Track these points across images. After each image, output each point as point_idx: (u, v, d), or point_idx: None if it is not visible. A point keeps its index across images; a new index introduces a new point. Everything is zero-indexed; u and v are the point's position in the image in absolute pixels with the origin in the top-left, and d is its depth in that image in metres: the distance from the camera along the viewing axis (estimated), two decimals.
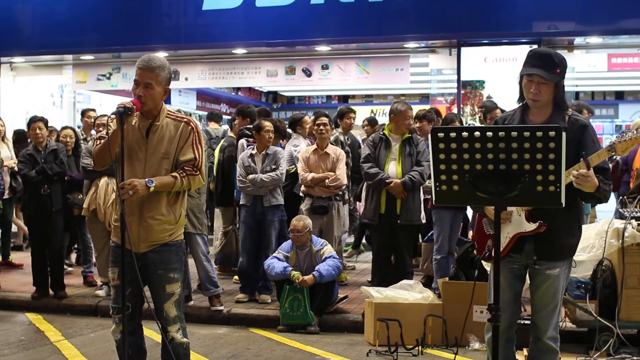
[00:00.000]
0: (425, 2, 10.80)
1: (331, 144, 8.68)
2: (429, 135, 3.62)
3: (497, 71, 10.94)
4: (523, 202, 3.85)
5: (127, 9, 12.05)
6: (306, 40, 11.67)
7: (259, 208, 7.92)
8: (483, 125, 8.33)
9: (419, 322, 6.56)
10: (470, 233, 7.75)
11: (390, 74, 12.18)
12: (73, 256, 10.49)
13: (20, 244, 11.71)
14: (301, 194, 8.50)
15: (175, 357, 4.41)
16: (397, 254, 7.59)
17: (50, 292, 8.31)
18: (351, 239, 10.81)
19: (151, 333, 5.36)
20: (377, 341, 6.56)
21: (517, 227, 4.22)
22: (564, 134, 3.40)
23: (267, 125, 7.99)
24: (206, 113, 14.81)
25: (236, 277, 8.78)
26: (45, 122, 8.44)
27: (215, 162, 9.15)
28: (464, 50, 11.14)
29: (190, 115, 12.18)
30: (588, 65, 12.15)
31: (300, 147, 8.98)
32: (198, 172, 4.39)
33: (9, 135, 10.68)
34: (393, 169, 7.43)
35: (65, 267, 8.90)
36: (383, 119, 13.38)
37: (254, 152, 8.03)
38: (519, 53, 10.28)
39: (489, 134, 3.45)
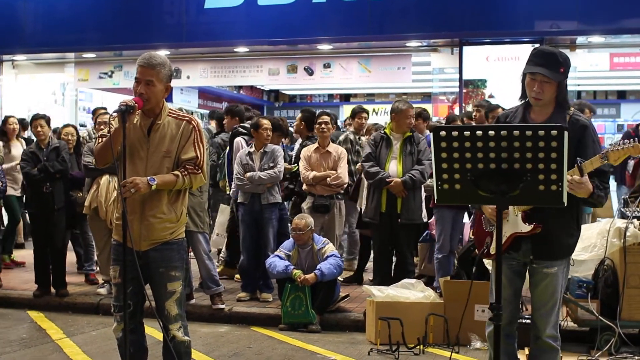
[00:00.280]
0: (427, 1, 10.81)
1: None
2: (431, 134, 3.62)
3: (499, 70, 10.94)
4: (525, 201, 3.84)
5: (129, 7, 12.06)
6: (308, 38, 11.68)
7: (256, 206, 7.92)
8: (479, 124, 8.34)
9: (420, 321, 6.56)
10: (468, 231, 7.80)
11: (392, 73, 12.19)
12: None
13: (22, 242, 11.72)
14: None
15: (176, 356, 4.42)
16: (398, 253, 7.58)
17: (52, 290, 8.31)
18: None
19: (152, 331, 5.36)
20: (378, 340, 6.56)
21: (513, 227, 4.23)
22: (565, 133, 3.40)
23: (265, 123, 8.00)
24: (208, 111, 14.82)
25: (237, 275, 8.79)
26: (47, 119, 8.44)
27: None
28: (465, 49, 11.14)
29: (192, 113, 12.19)
30: (590, 65, 12.15)
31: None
32: (199, 171, 4.39)
33: None
34: (394, 167, 7.42)
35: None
36: (385, 118, 13.38)
37: (251, 150, 8.04)
38: (521, 52, 10.29)
39: (491, 132, 3.45)
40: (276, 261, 7.41)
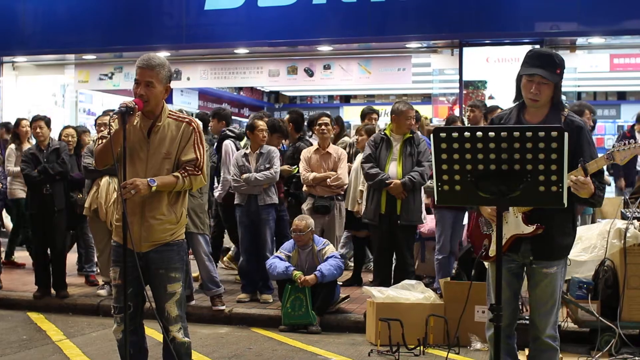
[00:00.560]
0: (427, 2, 10.81)
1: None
2: (431, 136, 3.62)
3: (499, 71, 10.94)
4: (525, 202, 3.85)
5: (129, 9, 12.07)
6: (308, 40, 11.69)
7: (253, 207, 7.93)
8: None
9: (420, 322, 6.56)
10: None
11: (392, 74, 12.19)
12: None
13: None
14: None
15: (176, 357, 4.41)
16: (398, 254, 7.58)
17: (52, 291, 8.31)
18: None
19: (153, 332, 5.37)
20: (378, 341, 6.55)
21: (514, 228, 4.23)
22: (566, 134, 3.41)
23: (261, 124, 8.01)
24: (208, 113, 14.80)
25: (237, 276, 8.80)
26: (47, 121, 8.43)
27: None
28: (465, 50, 11.14)
29: (192, 115, 12.19)
30: (590, 66, 12.15)
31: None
32: (200, 172, 4.39)
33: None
34: (394, 169, 7.41)
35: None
36: (385, 119, 13.38)
37: (247, 151, 8.05)
38: (521, 53, 10.20)
39: (491, 134, 3.45)
40: (276, 262, 7.41)
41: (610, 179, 10.30)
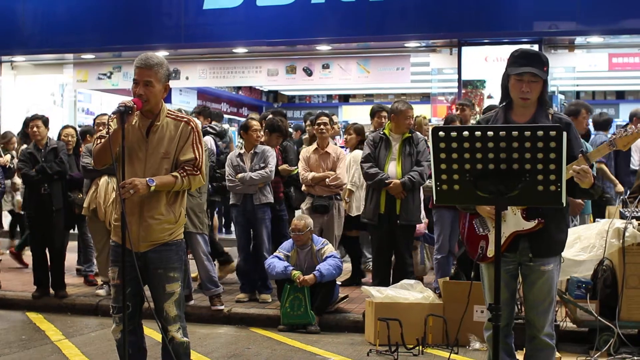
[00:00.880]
0: (426, 2, 10.81)
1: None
2: (430, 135, 3.62)
3: (498, 70, 10.83)
4: (524, 202, 3.85)
5: (127, 8, 12.06)
6: (307, 39, 11.68)
7: (248, 206, 7.94)
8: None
9: (419, 321, 6.56)
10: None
11: (391, 74, 12.19)
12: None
13: None
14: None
15: (175, 357, 4.41)
16: (397, 254, 7.58)
17: (51, 291, 8.31)
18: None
19: (151, 332, 5.36)
20: (377, 341, 6.55)
21: (513, 225, 4.24)
22: (564, 133, 3.41)
23: (255, 124, 8.03)
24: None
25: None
26: (44, 120, 8.41)
27: None
28: (464, 49, 11.14)
29: (192, 114, 12.15)
30: (589, 65, 12.15)
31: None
32: (198, 172, 4.39)
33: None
34: (393, 169, 7.41)
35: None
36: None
37: (242, 151, 8.06)
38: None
39: (490, 133, 3.45)
40: (275, 262, 7.41)
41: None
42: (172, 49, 12.29)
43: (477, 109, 10.67)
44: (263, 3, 11.42)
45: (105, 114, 8.16)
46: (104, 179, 8.05)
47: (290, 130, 10.49)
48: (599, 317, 6.09)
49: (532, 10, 10.48)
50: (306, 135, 9.91)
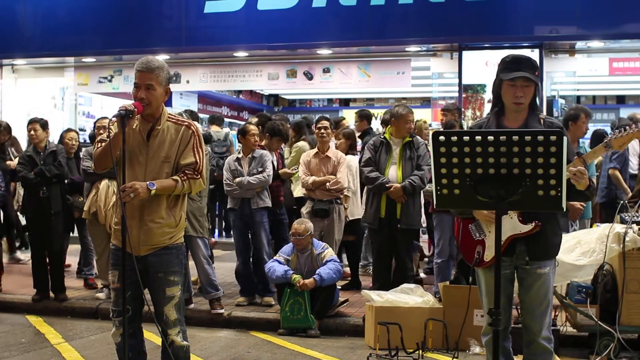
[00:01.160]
0: (426, 6, 10.79)
1: None
2: (430, 139, 3.62)
3: None
4: (524, 206, 3.85)
5: (128, 11, 12.05)
6: (308, 43, 11.67)
7: (246, 210, 7.95)
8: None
9: (419, 325, 6.55)
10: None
11: (391, 78, 12.18)
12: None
13: None
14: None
15: None
16: (397, 258, 7.58)
17: (51, 294, 8.30)
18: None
19: (151, 336, 5.36)
20: (377, 345, 6.55)
21: (510, 229, 4.24)
22: (565, 138, 3.42)
23: (252, 129, 8.05)
24: (208, 116, 14.83)
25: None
26: (42, 123, 8.41)
27: None
28: (465, 54, 11.13)
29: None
30: (589, 70, 12.13)
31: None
32: (199, 176, 4.39)
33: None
34: (393, 173, 7.41)
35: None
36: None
37: (240, 155, 8.07)
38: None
39: (490, 138, 3.46)
40: (275, 266, 7.41)
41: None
42: (172, 53, 12.29)
43: (478, 114, 10.68)
44: (264, 7, 11.42)
45: (106, 118, 8.17)
46: (104, 183, 8.05)
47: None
48: (599, 322, 6.09)
49: (532, 15, 10.48)
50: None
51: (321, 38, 11.47)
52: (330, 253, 7.51)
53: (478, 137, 3.47)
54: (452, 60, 11.53)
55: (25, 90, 13.91)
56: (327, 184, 8.19)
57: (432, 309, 6.75)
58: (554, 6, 10.29)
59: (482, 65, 11.13)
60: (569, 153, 4.12)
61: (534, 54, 10.41)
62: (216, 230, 12.94)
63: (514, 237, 4.24)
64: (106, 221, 7.93)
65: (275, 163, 8.33)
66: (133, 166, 4.32)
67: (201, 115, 16.61)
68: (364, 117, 10.33)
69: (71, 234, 9.08)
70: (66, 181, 8.50)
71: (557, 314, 6.60)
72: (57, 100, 14.47)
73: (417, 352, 6.43)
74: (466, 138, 3.49)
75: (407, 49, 11.77)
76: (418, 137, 7.86)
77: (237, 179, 7.91)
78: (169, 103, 12.07)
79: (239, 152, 8.20)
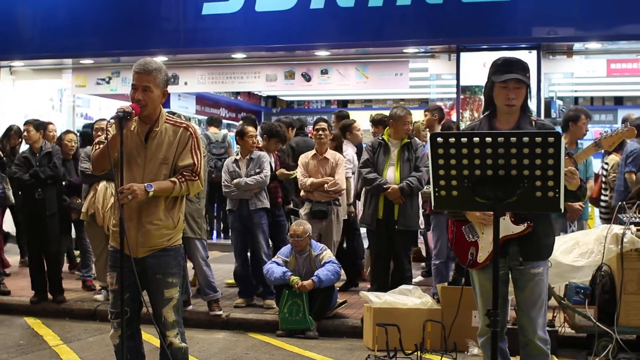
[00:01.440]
0: (424, 8, 10.79)
1: None
2: (428, 140, 3.63)
3: None
4: (522, 208, 3.86)
5: (126, 13, 12.04)
6: (305, 45, 11.67)
7: (244, 212, 7.95)
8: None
9: (417, 327, 6.55)
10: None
11: (389, 79, 12.17)
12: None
13: None
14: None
15: None
16: (395, 259, 7.58)
17: (49, 296, 8.29)
18: None
19: (150, 338, 5.36)
20: (376, 346, 6.55)
21: (503, 230, 4.23)
22: (563, 139, 3.42)
23: (251, 130, 8.06)
24: (206, 117, 14.82)
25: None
26: (36, 125, 8.41)
27: None
28: (463, 55, 11.13)
29: (190, 119, 12.15)
30: (587, 71, 12.14)
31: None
32: (197, 178, 4.39)
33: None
34: (391, 174, 7.42)
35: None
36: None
37: (238, 157, 8.08)
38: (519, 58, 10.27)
39: (488, 139, 3.46)
40: (274, 267, 7.41)
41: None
42: (170, 54, 12.28)
43: (476, 115, 10.67)
44: (262, 9, 11.41)
45: (104, 119, 8.16)
46: (102, 184, 8.05)
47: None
48: (597, 323, 6.10)
49: (530, 17, 10.48)
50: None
51: (319, 39, 11.47)
52: (328, 254, 7.51)
53: (476, 139, 3.47)
54: (450, 61, 11.53)
55: (23, 92, 13.89)
56: (325, 185, 8.20)
57: (430, 310, 6.75)
58: (552, 8, 10.29)
59: (480, 67, 11.11)
60: None
61: (532, 56, 10.42)
62: (214, 232, 12.94)
63: (506, 238, 4.25)
64: (104, 223, 7.93)
65: (273, 164, 8.34)
66: (131, 168, 4.32)
67: (199, 117, 16.65)
68: (342, 119, 10.27)
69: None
70: (64, 183, 8.50)
71: (555, 315, 6.60)
72: (55, 101, 14.45)
73: (416, 353, 6.42)
74: (464, 139, 3.49)
75: (405, 51, 11.77)
76: (416, 138, 7.87)
77: (235, 180, 7.92)
78: (166, 105, 12.09)
79: (237, 154, 8.20)
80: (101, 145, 4.33)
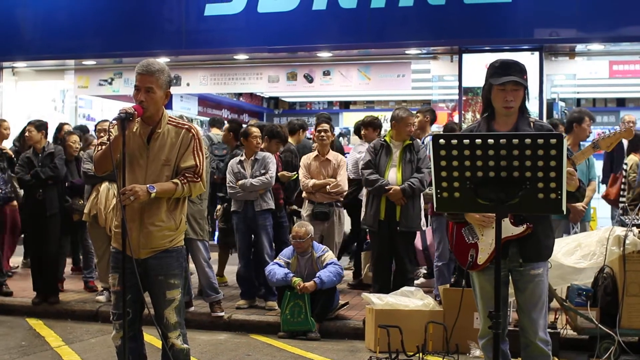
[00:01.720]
0: (426, 9, 10.79)
1: None
2: (431, 142, 3.63)
3: None
4: (524, 209, 3.86)
5: (129, 14, 12.05)
6: (308, 46, 11.67)
7: (249, 213, 7.94)
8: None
9: (419, 328, 6.55)
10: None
11: (391, 80, 12.18)
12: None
13: None
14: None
15: None
16: (397, 261, 7.58)
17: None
18: None
19: (151, 339, 5.36)
20: (377, 348, 6.54)
21: (503, 231, 4.23)
22: (565, 141, 3.42)
23: (255, 131, 8.04)
24: (208, 119, 14.83)
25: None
26: (37, 125, 8.41)
27: None
28: (465, 56, 11.13)
29: (192, 121, 12.16)
30: (589, 72, 12.13)
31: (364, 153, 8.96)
32: (199, 179, 4.40)
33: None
34: (393, 175, 7.42)
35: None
36: (385, 125, 13.37)
37: (242, 158, 8.07)
38: (521, 60, 10.24)
39: (490, 141, 3.46)
40: (275, 269, 7.41)
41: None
42: (173, 55, 12.29)
43: (478, 116, 10.66)
44: (264, 10, 11.42)
45: (106, 121, 8.17)
46: (104, 185, 8.05)
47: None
48: (599, 325, 6.09)
49: (532, 18, 10.48)
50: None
51: (321, 41, 11.48)
52: (330, 256, 7.51)
53: (478, 140, 3.47)
54: (452, 63, 11.53)
55: (25, 93, 13.91)
56: (328, 187, 8.20)
57: (432, 312, 6.75)
58: (554, 9, 10.29)
59: (482, 68, 11.03)
60: None
61: (534, 57, 10.42)
62: (216, 233, 12.93)
63: (506, 239, 4.25)
64: (106, 224, 7.93)
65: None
66: (133, 169, 4.32)
67: (201, 118, 16.66)
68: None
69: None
70: (67, 184, 8.50)
71: (557, 317, 6.59)
72: (58, 102, 14.47)
73: (418, 355, 6.42)
74: (466, 141, 3.50)
75: (407, 52, 11.78)
76: (418, 140, 7.87)
77: (240, 181, 7.90)
78: (169, 106, 12.08)
79: (242, 155, 8.18)
80: (103, 147, 4.34)
